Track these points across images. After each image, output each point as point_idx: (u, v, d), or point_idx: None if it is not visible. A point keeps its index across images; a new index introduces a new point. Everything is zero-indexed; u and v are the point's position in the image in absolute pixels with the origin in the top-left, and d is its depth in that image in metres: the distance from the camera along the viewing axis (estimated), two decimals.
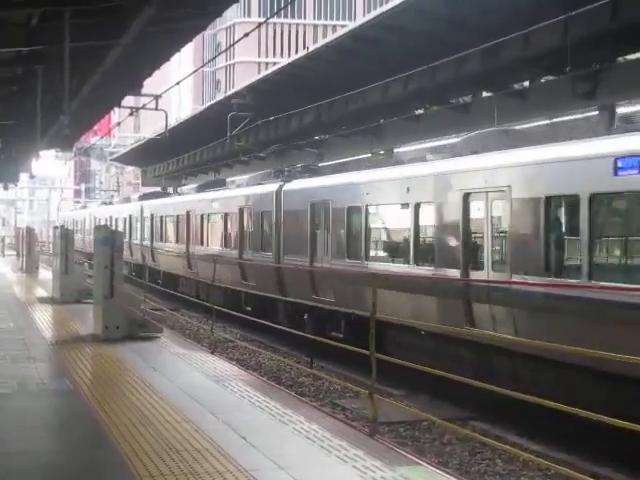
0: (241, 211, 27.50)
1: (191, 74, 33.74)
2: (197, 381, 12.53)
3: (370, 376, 9.85)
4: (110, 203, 58.76)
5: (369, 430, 9.50)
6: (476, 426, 13.77)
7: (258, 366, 19.78)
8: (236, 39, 42.50)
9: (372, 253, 19.13)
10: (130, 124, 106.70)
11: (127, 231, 43.29)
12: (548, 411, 8.30)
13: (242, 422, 9.75)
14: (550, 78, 22.15)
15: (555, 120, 22.64)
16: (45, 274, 36.89)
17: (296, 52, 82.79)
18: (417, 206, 16.91)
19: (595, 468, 11.57)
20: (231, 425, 9.59)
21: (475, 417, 14.40)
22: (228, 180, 38.26)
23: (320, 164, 30.34)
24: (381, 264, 18.22)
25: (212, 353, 15.70)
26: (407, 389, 16.40)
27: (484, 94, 25.18)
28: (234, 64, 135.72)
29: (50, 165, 73.66)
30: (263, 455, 8.39)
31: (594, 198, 12.34)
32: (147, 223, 41.00)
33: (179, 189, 45.72)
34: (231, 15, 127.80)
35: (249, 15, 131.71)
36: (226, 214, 29.31)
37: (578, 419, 7.85)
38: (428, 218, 16.62)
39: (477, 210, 15.11)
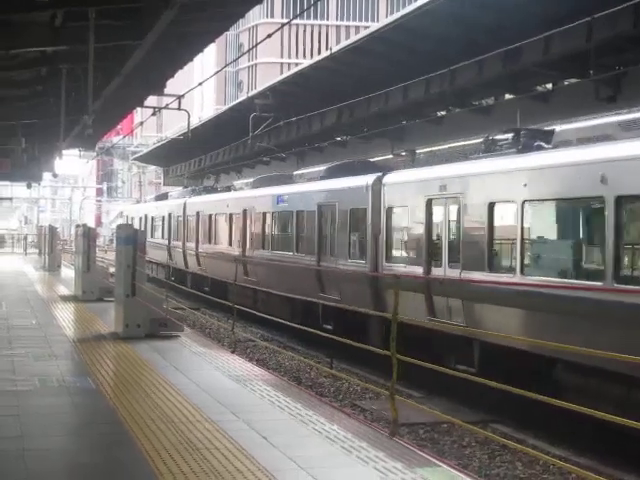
0: (320, 209, 22.76)
1: (214, 75, 33.62)
2: (218, 380, 12.57)
3: (390, 377, 9.85)
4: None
5: (389, 431, 9.51)
6: (496, 429, 13.74)
7: (278, 366, 19.82)
8: (259, 40, 42.67)
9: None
10: (153, 124, 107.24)
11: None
12: (570, 414, 8.29)
13: (263, 422, 9.77)
14: (573, 81, 22.10)
15: None
16: (67, 272, 37.08)
17: (319, 53, 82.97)
18: None
19: (618, 474, 11.52)
20: (252, 425, 9.61)
21: (495, 420, 14.38)
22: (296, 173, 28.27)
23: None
24: None
25: (233, 352, 15.73)
26: (426, 391, 16.40)
27: (507, 97, 25.14)
28: (256, 65, 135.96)
29: (73, 164, 74.04)
30: (284, 455, 8.41)
31: None
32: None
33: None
34: (254, 16, 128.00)
35: (272, 16, 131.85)
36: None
37: (600, 422, 7.83)
38: None
39: None
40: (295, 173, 27.67)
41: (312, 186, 24.27)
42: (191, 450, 8.51)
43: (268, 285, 25.92)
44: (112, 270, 25.13)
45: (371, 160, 27.43)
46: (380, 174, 19.99)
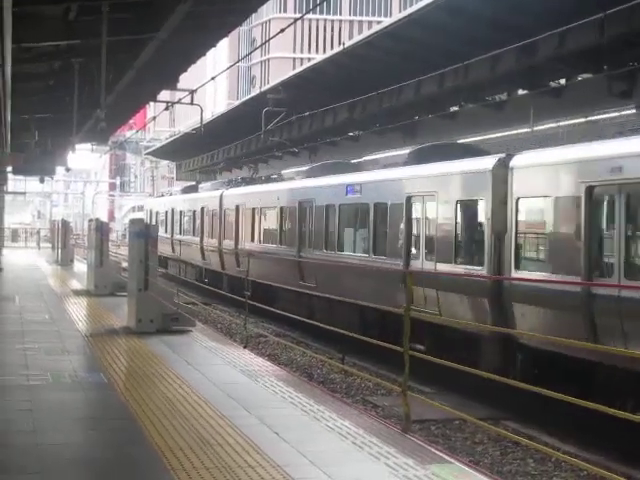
0: (410, 201, 18.51)
1: (226, 69, 33.55)
2: (230, 375, 12.57)
3: (402, 373, 9.83)
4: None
5: (401, 427, 9.49)
6: (508, 425, 13.72)
7: (290, 361, 19.81)
8: (271, 35, 42.60)
9: None
10: (165, 118, 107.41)
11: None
12: (581, 411, 8.26)
13: (275, 417, 9.77)
14: (586, 76, 22.04)
15: None
16: (80, 266, 37.16)
17: (331, 48, 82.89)
18: None
19: (629, 470, 11.47)
20: (264, 420, 9.61)
21: (507, 417, 14.35)
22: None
23: None
24: None
25: (244, 348, 15.74)
26: (438, 387, 16.37)
27: (520, 92, 25.10)
28: (269, 60, 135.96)
29: (86, 158, 74.14)
30: (295, 450, 8.41)
31: None
32: None
33: None
34: (266, 11, 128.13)
35: (285, 11, 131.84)
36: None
37: (612, 419, 7.80)
38: None
39: None
40: (365, 159, 24.06)
41: (397, 173, 19.81)
42: (203, 445, 8.51)
43: (332, 292, 21.79)
44: (125, 264, 25.17)
45: (460, 142, 23.72)
46: (503, 155, 15.81)
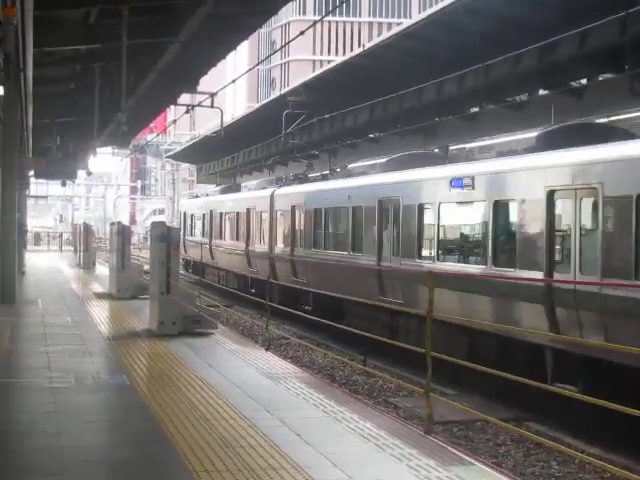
0: (553, 197, 14.38)
1: (246, 72, 33.62)
2: (252, 377, 12.57)
3: (424, 375, 9.81)
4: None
5: (424, 429, 9.46)
6: (531, 427, 13.66)
7: (312, 363, 19.81)
8: (291, 37, 42.61)
9: None
10: (186, 122, 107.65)
11: None
12: (605, 412, 8.21)
13: (296, 419, 9.76)
14: (608, 76, 21.93)
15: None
16: (102, 270, 37.28)
17: (351, 50, 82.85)
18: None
19: None
20: (286, 422, 9.61)
21: (530, 418, 14.29)
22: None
23: None
24: None
25: (267, 350, 15.73)
26: (460, 388, 16.33)
27: (540, 92, 25.01)
28: (289, 62, 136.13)
29: (107, 162, 74.51)
30: (317, 452, 8.40)
31: None
32: None
33: None
34: (286, 13, 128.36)
35: (304, 13, 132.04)
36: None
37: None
38: None
39: None
40: (469, 146, 19.47)
41: (530, 161, 15.54)
42: (225, 447, 8.51)
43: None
44: (146, 267, 25.26)
45: (598, 122, 19.59)
46: None
